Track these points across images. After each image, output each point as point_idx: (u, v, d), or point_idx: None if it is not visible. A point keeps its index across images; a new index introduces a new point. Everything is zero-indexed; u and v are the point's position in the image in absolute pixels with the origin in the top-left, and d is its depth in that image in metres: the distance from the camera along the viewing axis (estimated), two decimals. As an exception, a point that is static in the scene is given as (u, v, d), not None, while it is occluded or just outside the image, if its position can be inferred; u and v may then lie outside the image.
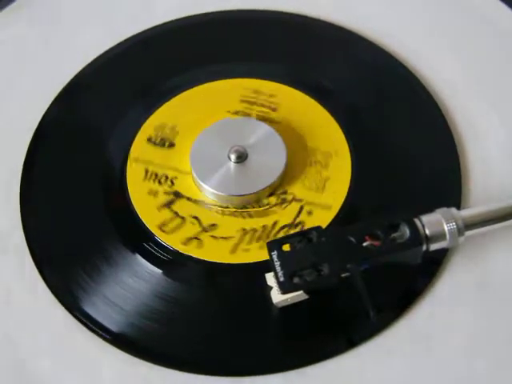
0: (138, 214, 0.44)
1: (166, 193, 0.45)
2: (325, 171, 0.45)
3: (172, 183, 0.45)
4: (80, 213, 0.45)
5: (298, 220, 0.43)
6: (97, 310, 0.42)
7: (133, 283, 0.42)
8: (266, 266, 0.39)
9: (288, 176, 0.45)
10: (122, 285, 0.42)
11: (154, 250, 0.43)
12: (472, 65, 0.50)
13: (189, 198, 0.45)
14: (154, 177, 0.45)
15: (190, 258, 0.42)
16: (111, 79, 0.51)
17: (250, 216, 0.44)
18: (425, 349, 0.40)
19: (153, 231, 0.43)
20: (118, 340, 0.41)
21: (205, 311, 0.41)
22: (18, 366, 0.40)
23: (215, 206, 0.44)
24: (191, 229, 0.43)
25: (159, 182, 0.45)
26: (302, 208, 0.44)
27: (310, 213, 0.43)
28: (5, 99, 0.50)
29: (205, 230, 0.43)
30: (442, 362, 0.40)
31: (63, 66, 0.51)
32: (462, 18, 0.53)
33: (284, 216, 0.43)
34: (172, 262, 0.43)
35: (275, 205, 0.44)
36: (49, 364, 0.40)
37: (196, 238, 0.43)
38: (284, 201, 0.44)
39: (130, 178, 0.45)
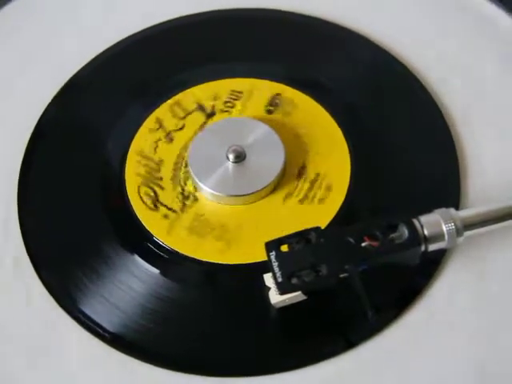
0: (136, 215, 0.44)
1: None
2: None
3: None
4: (78, 213, 0.45)
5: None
6: (94, 310, 0.42)
7: (130, 284, 0.42)
8: (264, 266, 0.39)
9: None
10: (120, 285, 0.42)
11: (152, 250, 0.43)
12: (472, 65, 0.50)
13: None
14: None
15: (187, 258, 0.42)
16: (109, 79, 0.50)
17: None
18: (423, 349, 0.40)
19: (151, 231, 0.43)
20: (116, 340, 0.41)
21: (202, 312, 0.41)
22: (17, 367, 0.40)
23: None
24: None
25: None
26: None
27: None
28: (3, 98, 0.50)
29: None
30: (441, 363, 0.40)
31: (61, 65, 0.51)
32: (462, 19, 0.52)
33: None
34: (170, 263, 0.42)
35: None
36: (46, 364, 0.40)
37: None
38: None
39: (128, 178, 0.45)
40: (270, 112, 0.47)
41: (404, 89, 0.49)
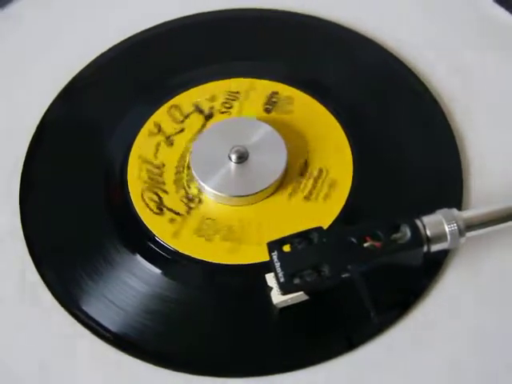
0: (138, 214, 0.44)
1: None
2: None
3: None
4: (80, 212, 0.45)
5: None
6: (96, 310, 0.42)
7: (132, 283, 0.42)
8: (267, 266, 0.39)
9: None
10: (122, 285, 0.42)
11: (154, 250, 0.43)
12: (475, 64, 0.50)
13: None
14: None
15: (189, 258, 0.42)
16: (113, 78, 0.51)
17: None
18: (426, 349, 0.40)
19: (153, 231, 0.43)
20: (118, 340, 0.41)
21: (204, 312, 0.41)
22: (17, 367, 0.40)
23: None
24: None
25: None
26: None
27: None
28: (6, 98, 0.50)
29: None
30: (444, 363, 0.40)
31: (63, 65, 0.51)
32: (462, 18, 0.52)
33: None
34: (171, 263, 0.42)
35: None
36: (47, 364, 0.40)
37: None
38: None
39: (131, 182, 0.45)
40: (267, 110, 0.47)
41: (405, 88, 0.49)
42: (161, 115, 0.48)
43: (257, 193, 0.43)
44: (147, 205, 0.44)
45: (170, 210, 0.44)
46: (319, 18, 0.52)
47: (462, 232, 0.39)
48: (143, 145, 0.46)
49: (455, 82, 0.49)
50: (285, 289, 0.38)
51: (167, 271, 0.42)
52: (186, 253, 0.42)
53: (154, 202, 0.44)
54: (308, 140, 0.46)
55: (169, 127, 0.47)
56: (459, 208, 0.43)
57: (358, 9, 0.53)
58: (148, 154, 0.46)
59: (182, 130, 0.47)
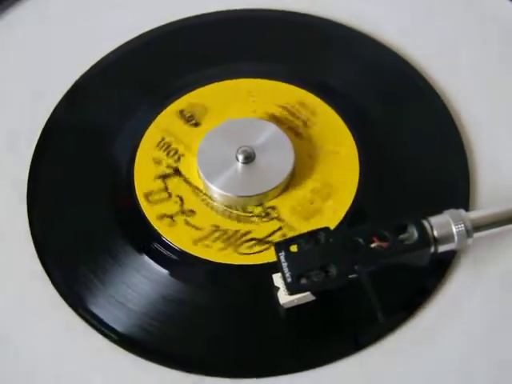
0: (145, 214, 0.44)
1: (169, 166, 0.45)
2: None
3: (178, 159, 0.45)
4: (87, 212, 0.45)
5: (269, 238, 0.43)
6: (103, 310, 0.42)
7: (139, 283, 0.42)
8: (274, 266, 0.39)
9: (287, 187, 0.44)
10: (129, 285, 0.42)
11: (161, 250, 0.43)
12: (482, 65, 0.50)
13: (185, 179, 0.45)
14: (165, 147, 0.46)
15: (196, 258, 0.42)
16: (117, 79, 0.50)
17: (230, 216, 0.43)
18: (433, 351, 0.40)
19: (159, 231, 0.43)
20: (124, 340, 0.41)
21: (211, 312, 0.41)
22: (22, 366, 0.40)
23: (204, 194, 0.44)
24: (171, 207, 0.44)
25: (167, 154, 0.46)
26: (280, 228, 0.43)
27: (284, 236, 0.43)
28: (10, 100, 0.50)
29: (183, 212, 0.43)
30: (452, 364, 0.39)
31: (68, 66, 0.51)
32: (474, 19, 0.52)
33: (259, 229, 0.43)
34: (179, 263, 0.42)
35: (257, 216, 0.43)
36: (54, 364, 0.40)
37: (171, 217, 0.43)
38: (267, 215, 0.43)
39: (137, 177, 0.45)
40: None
41: (413, 90, 0.49)
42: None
43: (263, 193, 0.43)
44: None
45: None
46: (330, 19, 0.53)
47: (469, 233, 0.39)
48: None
49: (464, 83, 0.49)
50: (292, 289, 0.38)
51: (174, 271, 0.42)
52: (192, 253, 0.42)
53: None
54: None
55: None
56: (467, 209, 0.43)
57: (366, 10, 0.53)
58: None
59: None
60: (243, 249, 0.42)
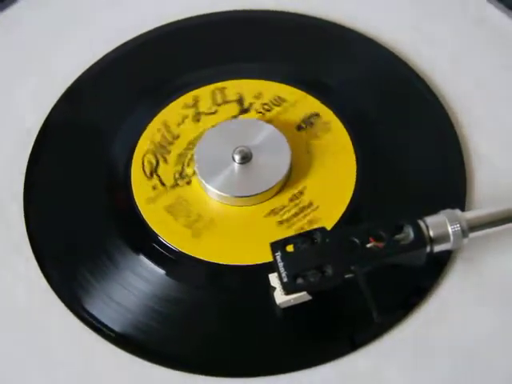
0: (141, 214, 0.44)
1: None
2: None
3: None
4: (83, 212, 0.45)
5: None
6: (99, 309, 0.42)
7: (136, 283, 0.42)
8: (270, 266, 0.39)
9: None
10: (125, 285, 0.42)
11: (157, 250, 0.43)
12: (478, 65, 0.50)
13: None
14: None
15: (192, 258, 0.42)
16: (115, 79, 0.51)
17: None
18: (429, 350, 0.40)
19: (156, 231, 0.43)
20: (121, 340, 0.41)
21: (207, 312, 0.41)
22: (20, 367, 0.40)
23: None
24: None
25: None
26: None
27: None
28: (9, 100, 0.50)
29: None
30: (447, 364, 0.40)
31: (66, 66, 0.51)
32: (471, 20, 0.53)
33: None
34: (175, 263, 0.43)
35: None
36: (50, 363, 0.40)
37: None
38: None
39: (134, 178, 0.45)
40: (299, 128, 0.47)
41: (409, 90, 0.49)
42: (204, 93, 0.48)
43: (259, 194, 0.43)
44: (143, 166, 0.45)
45: (159, 177, 0.45)
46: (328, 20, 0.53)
47: (465, 233, 0.40)
48: (172, 112, 0.47)
49: (461, 83, 0.49)
50: (288, 289, 0.38)
51: (170, 271, 0.42)
52: (189, 253, 0.42)
53: (151, 164, 0.45)
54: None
55: (205, 105, 0.48)
56: (463, 209, 0.43)
57: (363, 11, 0.53)
58: (172, 121, 0.47)
59: (214, 112, 0.47)
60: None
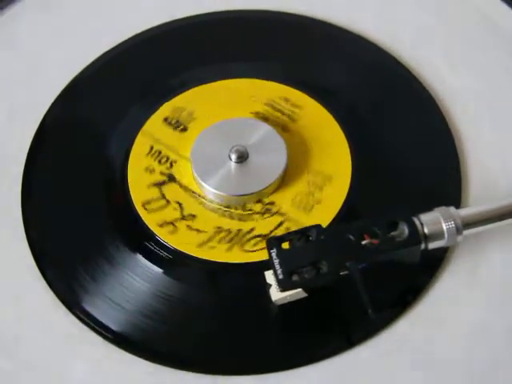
0: (138, 213, 0.44)
1: (162, 173, 0.45)
2: (321, 182, 0.45)
3: (171, 166, 0.46)
4: (81, 212, 0.45)
5: (274, 233, 0.43)
6: (97, 308, 0.42)
7: (133, 282, 0.42)
8: (266, 264, 0.39)
9: (283, 183, 0.45)
10: (123, 284, 0.42)
11: (155, 249, 0.43)
12: (474, 64, 0.50)
13: (181, 185, 0.45)
14: (156, 155, 0.46)
15: (190, 257, 0.42)
16: (114, 78, 0.51)
17: (231, 217, 0.44)
18: (425, 348, 0.40)
19: (154, 230, 0.43)
20: (119, 339, 0.41)
21: (205, 310, 0.42)
22: (19, 364, 0.41)
23: (201, 197, 0.44)
24: (171, 213, 0.44)
25: (159, 162, 0.46)
26: (281, 223, 0.43)
27: (287, 229, 0.43)
28: (7, 99, 0.50)
29: (183, 218, 0.44)
30: (443, 361, 0.40)
31: (65, 64, 0.51)
32: (467, 18, 0.53)
33: (262, 226, 0.43)
34: (173, 262, 0.43)
35: (258, 213, 0.44)
36: (49, 363, 0.40)
37: (172, 223, 0.43)
38: (267, 211, 0.44)
39: (130, 177, 0.45)
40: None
41: (405, 89, 0.49)
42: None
43: (258, 191, 0.44)
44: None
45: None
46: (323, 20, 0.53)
47: (459, 230, 0.40)
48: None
49: (454, 81, 0.49)
50: (283, 286, 0.38)
51: (168, 270, 0.42)
52: (186, 251, 0.43)
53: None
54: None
55: None
56: (458, 206, 0.43)
57: (360, 11, 0.53)
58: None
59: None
60: (249, 246, 0.43)
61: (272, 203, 0.44)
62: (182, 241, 0.43)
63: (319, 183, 0.44)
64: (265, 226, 0.43)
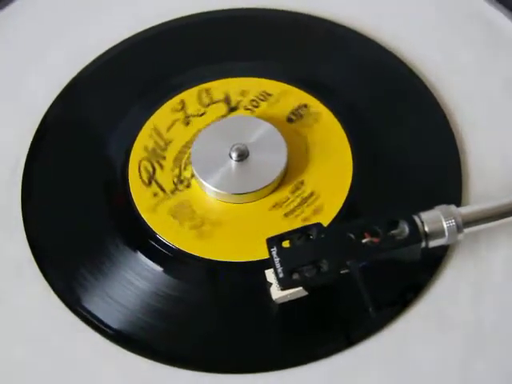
0: (139, 212, 0.44)
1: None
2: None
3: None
4: (81, 211, 0.45)
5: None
6: (98, 307, 0.42)
7: (134, 281, 0.42)
8: (267, 263, 0.39)
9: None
10: (124, 283, 0.42)
11: (155, 247, 0.43)
12: (474, 66, 0.50)
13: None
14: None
15: (190, 255, 0.43)
16: (113, 77, 0.51)
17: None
18: (425, 346, 0.40)
19: (154, 229, 0.43)
20: (119, 337, 0.41)
21: (205, 308, 0.42)
22: (19, 364, 0.41)
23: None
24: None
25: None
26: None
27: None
28: (6, 99, 0.50)
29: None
30: (442, 360, 0.40)
31: (64, 64, 0.51)
32: (468, 19, 0.53)
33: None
34: (173, 260, 0.43)
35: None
36: (50, 362, 0.41)
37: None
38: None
39: (131, 176, 0.45)
40: (290, 120, 0.47)
41: (406, 87, 0.49)
42: (191, 95, 0.48)
43: (257, 191, 0.44)
44: (140, 174, 0.45)
45: (158, 184, 0.45)
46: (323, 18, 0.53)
47: (459, 228, 0.40)
48: (162, 118, 0.47)
49: (455, 80, 0.49)
50: (284, 284, 0.38)
51: (168, 269, 0.42)
52: (186, 250, 0.43)
53: (148, 172, 0.45)
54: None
55: (192, 107, 0.48)
56: (458, 204, 0.43)
57: (359, 8, 0.53)
58: (162, 126, 0.47)
59: (203, 114, 0.47)
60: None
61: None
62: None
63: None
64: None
